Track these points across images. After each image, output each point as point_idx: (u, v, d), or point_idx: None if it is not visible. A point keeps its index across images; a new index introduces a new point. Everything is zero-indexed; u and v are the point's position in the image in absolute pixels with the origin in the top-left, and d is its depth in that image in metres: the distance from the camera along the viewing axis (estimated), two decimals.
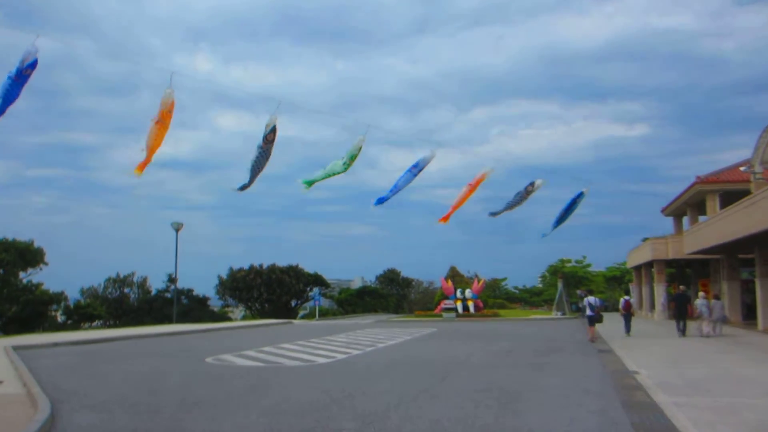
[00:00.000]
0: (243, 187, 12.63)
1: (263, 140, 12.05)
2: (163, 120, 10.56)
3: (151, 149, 10.71)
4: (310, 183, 13.79)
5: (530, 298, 66.29)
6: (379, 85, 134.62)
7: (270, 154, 12.22)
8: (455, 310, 38.17)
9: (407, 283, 67.91)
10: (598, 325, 19.12)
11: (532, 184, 17.61)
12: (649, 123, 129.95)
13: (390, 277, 67.30)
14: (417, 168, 15.10)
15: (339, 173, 13.75)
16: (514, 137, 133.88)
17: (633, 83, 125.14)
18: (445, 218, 16.70)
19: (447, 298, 39.48)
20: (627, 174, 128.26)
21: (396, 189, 15.29)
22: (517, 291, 70.28)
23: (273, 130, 11.98)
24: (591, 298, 19.10)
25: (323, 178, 13.85)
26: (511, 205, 18.00)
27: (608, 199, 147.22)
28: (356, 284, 76.44)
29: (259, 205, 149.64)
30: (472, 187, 16.47)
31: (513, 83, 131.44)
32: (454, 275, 42.53)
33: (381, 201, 15.48)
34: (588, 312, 18.85)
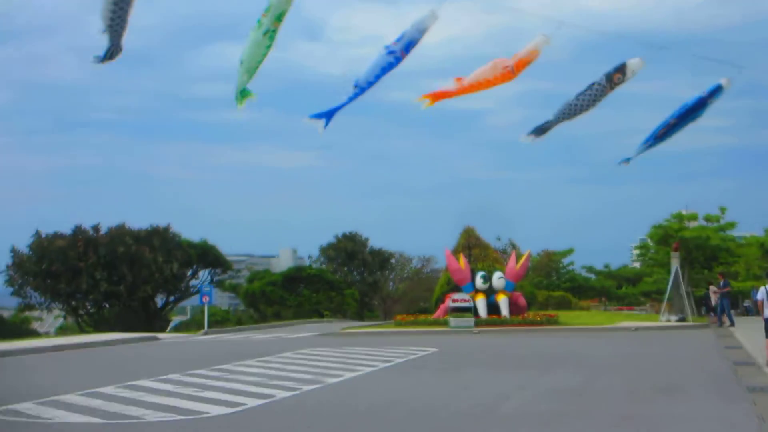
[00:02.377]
0: (107, 55, 13.33)
1: None
2: None
3: None
4: (243, 96, 14.69)
5: (617, 290, 67.50)
6: None
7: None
8: (472, 311, 38.36)
9: (381, 261, 68.35)
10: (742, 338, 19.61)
11: (621, 68, 17.35)
12: None
13: (348, 250, 67.78)
14: (402, 45, 15.31)
15: (268, 50, 14.52)
16: None
17: None
18: (445, 95, 16.82)
19: (457, 288, 39.66)
20: None
21: (362, 89, 15.59)
22: (592, 275, 71.29)
23: None
24: None
25: (253, 72, 14.77)
26: (576, 107, 17.74)
27: (766, 100, 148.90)
28: (283, 263, 77.17)
29: (95, 110, 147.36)
30: (509, 71, 16.63)
31: None
32: (470, 245, 42.89)
33: (328, 115, 15.70)
34: (767, 313, 19.66)
